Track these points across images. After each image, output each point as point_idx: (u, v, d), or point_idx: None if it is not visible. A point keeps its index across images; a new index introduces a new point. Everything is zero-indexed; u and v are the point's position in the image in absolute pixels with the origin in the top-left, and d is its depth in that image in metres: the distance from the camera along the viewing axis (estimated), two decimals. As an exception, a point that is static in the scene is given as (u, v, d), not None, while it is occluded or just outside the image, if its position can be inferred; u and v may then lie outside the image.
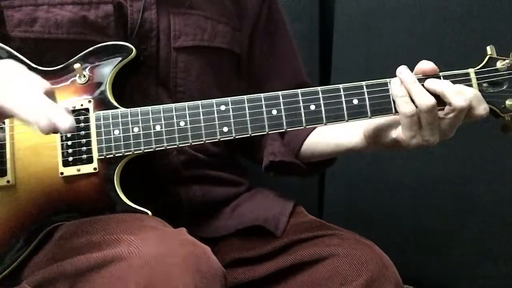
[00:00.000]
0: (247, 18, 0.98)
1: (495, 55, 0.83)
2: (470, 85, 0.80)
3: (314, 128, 0.96)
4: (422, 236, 1.39)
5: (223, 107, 0.80)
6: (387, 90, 0.80)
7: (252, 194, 1.01)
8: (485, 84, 0.82)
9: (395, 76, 0.80)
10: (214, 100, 0.80)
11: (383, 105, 0.80)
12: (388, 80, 0.81)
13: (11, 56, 0.82)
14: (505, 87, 0.82)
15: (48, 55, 0.83)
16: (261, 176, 1.05)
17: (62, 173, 0.79)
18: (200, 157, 0.94)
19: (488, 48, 0.83)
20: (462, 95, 0.77)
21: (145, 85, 0.88)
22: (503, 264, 1.31)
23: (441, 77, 0.80)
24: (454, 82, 0.80)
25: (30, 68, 0.83)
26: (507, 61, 0.82)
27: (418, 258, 1.39)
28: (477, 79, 0.81)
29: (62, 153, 0.79)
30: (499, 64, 0.82)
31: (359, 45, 1.36)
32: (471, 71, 0.81)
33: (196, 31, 0.91)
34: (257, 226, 0.92)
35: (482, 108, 0.78)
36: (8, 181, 0.78)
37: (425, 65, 0.80)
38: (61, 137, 0.80)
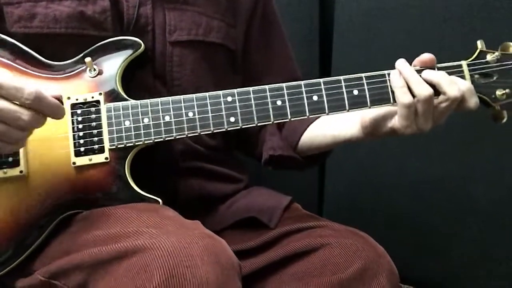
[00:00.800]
0: (241, 15, 1.02)
1: (485, 49, 0.88)
2: (463, 77, 0.85)
3: (312, 122, 0.99)
4: (422, 235, 1.39)
5: (229, 98, 0.83)
6: (385, 81, 0.84)
7: (248, 191, 1.03)
8: (476, 76, 0.86)
9: None
10: (221, 92, 0.83)
11: (382, 95, 0.84)
12: (386, 72, 0.85)
13: (20, 50, 0.84)
14: (495, 78, 0.87)
15: (48, 50, 0.85)
16: (260, 174, 1.08)
17: (74, 163, 0.81)
18: (198, 149, 0.96)
19: (478, 42, 0.88)
20: (457, 85, 0.81)
21: (143, 78, 0.91)
22: (503, 264, 1.32)
23: (436, 69, 0.85)
24: (449, 74, 0.84)
25: (41, 62, 0.85)
26: (496, 54, 0.87)
27: (418, 258, 1.39)
28: (469, 70, 0.86)
29: (74, 143, 0.82)
30: (489, 57, 0.87)
31: (359, 45, 1.38)
32: (464, 63, 0.86)
33: (191, 26, 0.94)
34: (251, 219, 0.94)
35: (473, 101, 0.83)
36: (21, 171, 0.80)
37: (424, 56, 0.84)
38: (73, 128, 0.82)
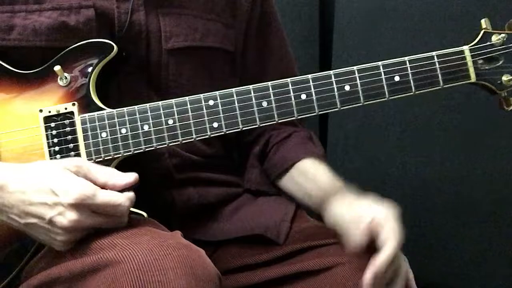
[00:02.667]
0: (240, 15, 0.95)
1: (490, 29, 0.80)
2: (465, 64, 0.78)
3: (295, 162, 0.94)
4: (422, 236, 1.39)
5: (211, 102, 0.78)
6: (380, 74, 0.78)
7: (252, 196, 0.99)
8: (480, 61, 0.79)
9: None
10: (201, 95, 0.78)
11: (376, 89, 0.78)
12: (380, 63, 0.78)
13: None
14: (501, 62, 0.79)
15: (29, 63, 0.80)
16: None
17: (52, 179, 0.77)
18: (195, 159, 0.91)
19: (482, 21, 0.80)
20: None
21: (137, 88, 0.85)
22: (503, 264, 1.32)
23: (435, 57, 0.78)
24: (449, 61, 0.78)
25: (7, 71, 0.80)
26: (502, 35, 0.79)
27: (418, 258, 1.36)
28: (472, 56, 0.79)
29: (51, 159, 0.77)
30: (494, 39, 0.79)
31: (359, 45, 1.36)
32: (466, 48, 0.79)
33: (187, 31, 0.87)
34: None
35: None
36: None
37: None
38: (48, 142, 0.77)
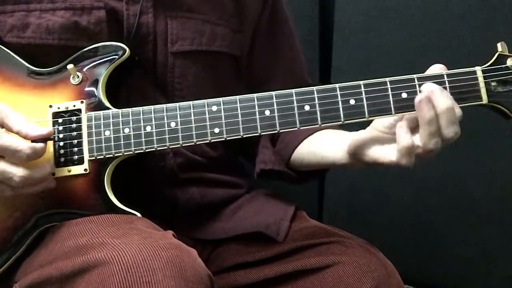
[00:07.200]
0: (248, 19, 0.96)
1: (506, 52, 0.78)
2: (477, 84, 0.76)
3: (305, 137, 0.93)
4: (422, 236, 1.39)
5: (214, 108, 0.78)
6: (386, 90, 0.76)
7: (252, 196, 0.99)
8: (493, 83, 0.76)
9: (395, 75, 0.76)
10: (206, 101, 0.78)
11: (382, 105, 0.76)
12: (387, 79, 0.77)
13: (6, 56, 0.83)
14: (516, 86, 0.76)
15: (41, 60, 0.83)
16: (261, 178, 1.03)
17: (53, 174, 0.78)
18: (199, 160, 0.92)
19: (498, 44, 0.78)
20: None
21: (144, 89, 0.87)
22: (503, 264, 1.30)
23: (445, 76, 0.76)
24: (459, 81, 0.75)
25: (24, 67, 0.83)
26: (518, 58, 0.77)
27: (418, 258, 1.39)
28: (485, 77, 0.76)
29: (54, 153, 0.79)
30: (509, 62, 0.77)
31: (359, 45, 1.36)
32: (478, 69, 0.76)
33: (194, 35, 0.89)
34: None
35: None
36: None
37: (434, 67, 0.77)
38: (54, 137, 0.79)
